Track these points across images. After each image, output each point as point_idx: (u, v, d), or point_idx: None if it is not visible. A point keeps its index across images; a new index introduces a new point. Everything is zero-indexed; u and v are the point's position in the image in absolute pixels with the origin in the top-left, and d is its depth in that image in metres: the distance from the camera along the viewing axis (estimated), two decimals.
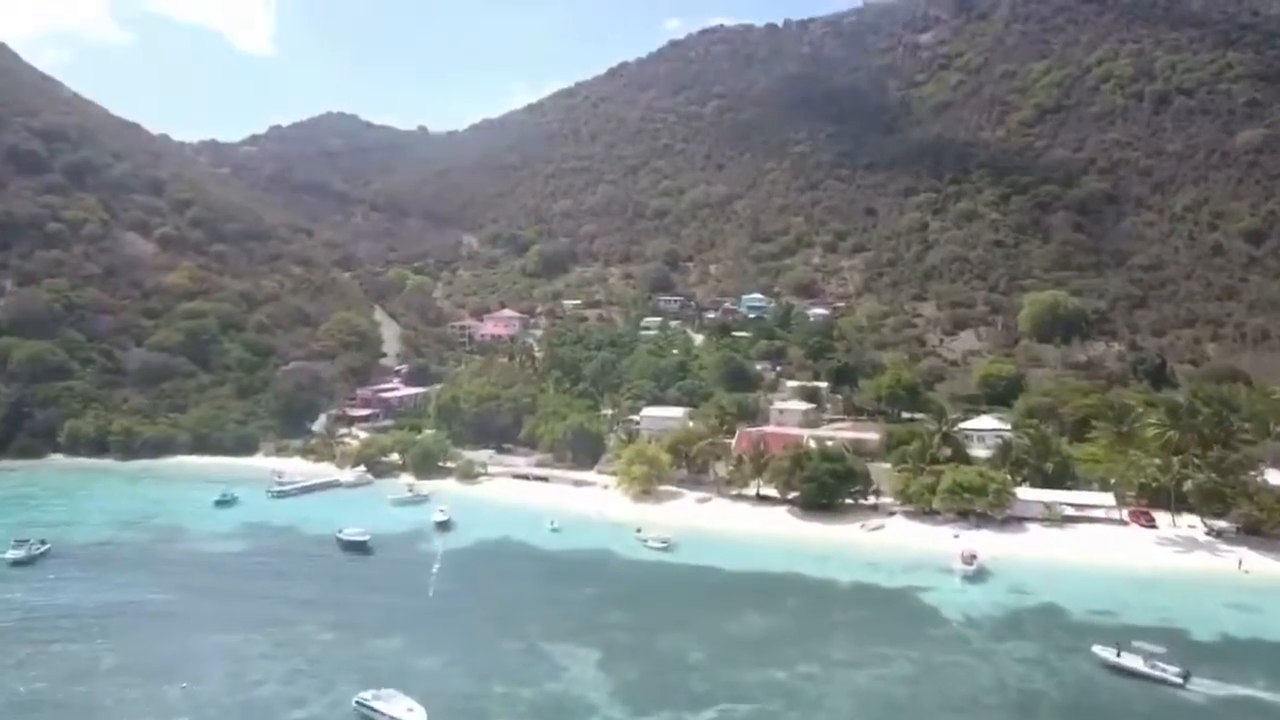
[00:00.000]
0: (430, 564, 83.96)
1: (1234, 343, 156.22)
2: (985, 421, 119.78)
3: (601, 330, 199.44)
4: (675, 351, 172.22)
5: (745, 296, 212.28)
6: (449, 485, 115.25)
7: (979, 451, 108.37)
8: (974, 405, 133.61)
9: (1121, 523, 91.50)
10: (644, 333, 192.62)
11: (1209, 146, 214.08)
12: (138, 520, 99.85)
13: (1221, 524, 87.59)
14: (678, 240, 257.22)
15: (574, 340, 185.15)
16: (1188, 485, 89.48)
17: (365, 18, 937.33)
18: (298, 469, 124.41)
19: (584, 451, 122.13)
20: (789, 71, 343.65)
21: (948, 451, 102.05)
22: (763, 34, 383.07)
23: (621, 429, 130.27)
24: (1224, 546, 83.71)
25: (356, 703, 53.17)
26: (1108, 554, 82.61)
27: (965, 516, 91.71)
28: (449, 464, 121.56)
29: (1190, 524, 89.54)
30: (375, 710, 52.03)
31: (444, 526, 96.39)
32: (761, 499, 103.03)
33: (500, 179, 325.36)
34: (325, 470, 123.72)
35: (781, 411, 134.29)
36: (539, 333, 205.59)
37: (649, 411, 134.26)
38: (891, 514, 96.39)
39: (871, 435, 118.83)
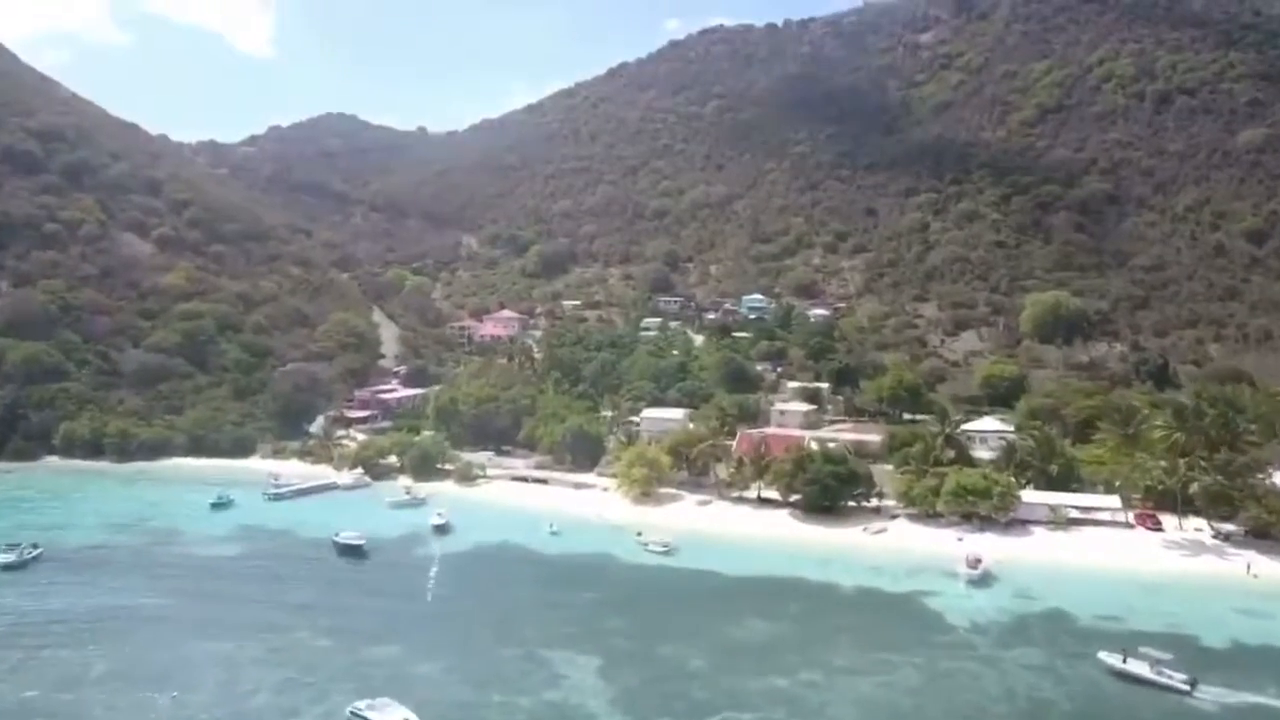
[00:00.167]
0: (427, 568, 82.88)
1: (1236, 343, 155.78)
2: (988, 423, 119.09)
3: (601, 331, 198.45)
4: (675, 352, 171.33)
5: (745, 297, 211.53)
6: (447, 487, 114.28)
7: (982, 453, 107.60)
8: (976, 406, 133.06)
9: (1127, 526, 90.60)
10: (644, 334, 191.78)
11: (1211, 146, 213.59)
12: (132, 523, 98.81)
13: (1229, 527, 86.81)
14: (678, 241, 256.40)
15: (573, 341, 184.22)
16: (1194, 488, 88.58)
17: (365, 18, 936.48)
18: (295, 471, 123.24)
19: (583, 453, 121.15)
20: (789, 71, 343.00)
21: (951, 453, 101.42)
22: (763, 34, 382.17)
23: (621, 431, 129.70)
24: (1232, 550, 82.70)
25: (350, 712, 52.05)
26: (1113, 557, 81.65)
27: (969, 519, 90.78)
28: (447, 466, 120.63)
29: (1197, 527, 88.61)
30: None
31: (442, 529, 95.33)
32: (763, 501, 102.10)
33: (500, 179, 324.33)
34: (322, 472, 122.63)
35: (782, 413, 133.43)
36: (538, 334, 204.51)
37: (649, 413, 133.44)
38: (894, 517, 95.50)
39: (873, 437, 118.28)
